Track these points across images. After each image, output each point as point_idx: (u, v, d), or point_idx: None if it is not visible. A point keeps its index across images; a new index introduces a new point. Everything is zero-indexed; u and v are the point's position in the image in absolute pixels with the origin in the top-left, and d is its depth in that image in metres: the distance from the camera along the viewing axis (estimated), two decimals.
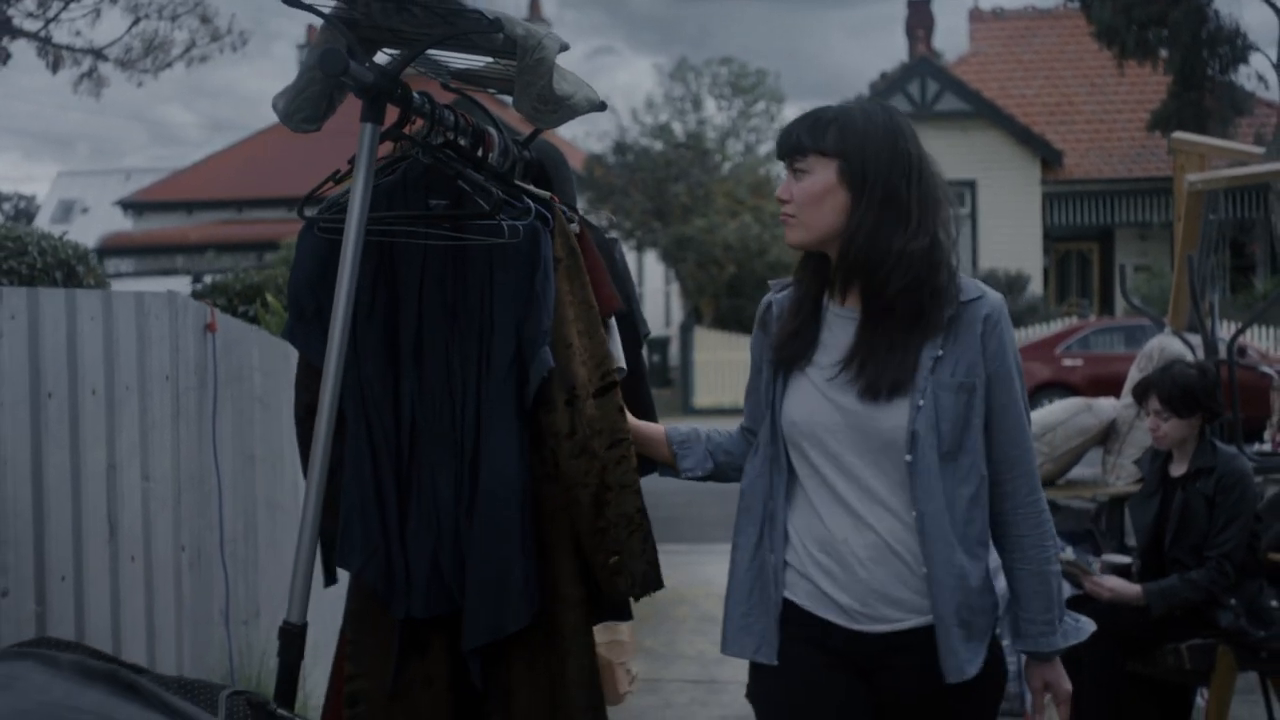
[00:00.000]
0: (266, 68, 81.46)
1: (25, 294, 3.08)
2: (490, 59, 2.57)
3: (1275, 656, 4.15)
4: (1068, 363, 15.93)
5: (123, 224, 31.04)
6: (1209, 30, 19.30)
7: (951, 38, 71.41)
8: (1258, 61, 19.55)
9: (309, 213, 2.50)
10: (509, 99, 2.86)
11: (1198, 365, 4.42)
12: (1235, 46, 19.61)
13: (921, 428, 2.18)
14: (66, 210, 38.62)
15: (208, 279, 8.05)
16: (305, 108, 2.36)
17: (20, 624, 3.03)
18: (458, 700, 2.45)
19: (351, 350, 2.37)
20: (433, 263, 2.41)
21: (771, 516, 2.31)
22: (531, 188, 2.46)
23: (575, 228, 2.47)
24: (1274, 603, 4.23)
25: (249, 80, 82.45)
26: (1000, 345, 2.24)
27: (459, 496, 2.39)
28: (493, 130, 2.53)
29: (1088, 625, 2.33)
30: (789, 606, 2.29)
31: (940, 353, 2.21)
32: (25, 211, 42.11)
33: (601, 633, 2.97)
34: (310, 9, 2.22)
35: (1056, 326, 18.25)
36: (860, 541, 2.22)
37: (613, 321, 2.53)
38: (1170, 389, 4.19)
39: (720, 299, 25.35)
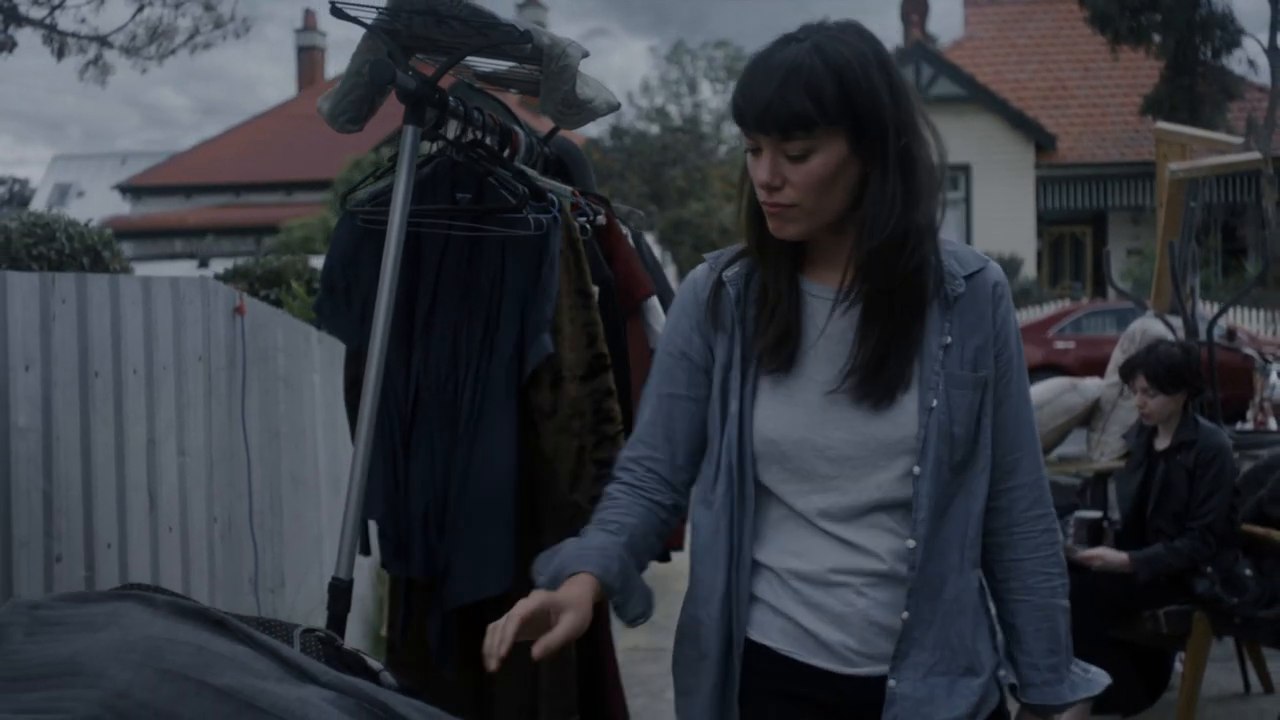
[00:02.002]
0: (260, 51, 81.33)
1: (74, 279, 3.29)
2: (513, 63, 2.78)
3: (1248, 622, 4.38)
4: (1060, 345, 16.13)
5: (119, 208, 31.18)
6: (1201, 15, 19.48)
7: (946, 21, 71.61)
8: (1249, 46, 19.75)
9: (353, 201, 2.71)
10: (514, 93, 3.10)
11: (1181, 345, 4.65)
12: (1227, 31, 19.79)
13: (934, 433, 1.73)
14: (62, 194, 38.66)
15: (222, 265, 8.23)
16: (349, 110, 2.57)
17: (73, 584, 3.25)
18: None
19: (370, 324, 2.57)
20: (453, 249, 2.62)
21: (736, 559, 1.82)
22: (555, 183, 2.67)
23: (602, 219, 2.68)
24: (1248, 572, 4.45)
25: (242, 63, 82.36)
26: (1009, 321, 1.81)
27: (451, 466, 2.59)
28: (518, 129, 2.74)
29: (1100, 678, 1.90)
30: (761, 653, 1.83)
31: (948, 339, 1.75)
32: (20, 195, 42.03)
33: None
34: (355, 21, 2.43)
35: (1049, 309, 18.45)
36: (854, 565, 1.78)
37: (654, 301, 2.73)
38: (1156, 367, 4.41)
39: None
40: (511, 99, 3.25)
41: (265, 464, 4.45)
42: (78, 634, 1.66)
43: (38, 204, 36.16)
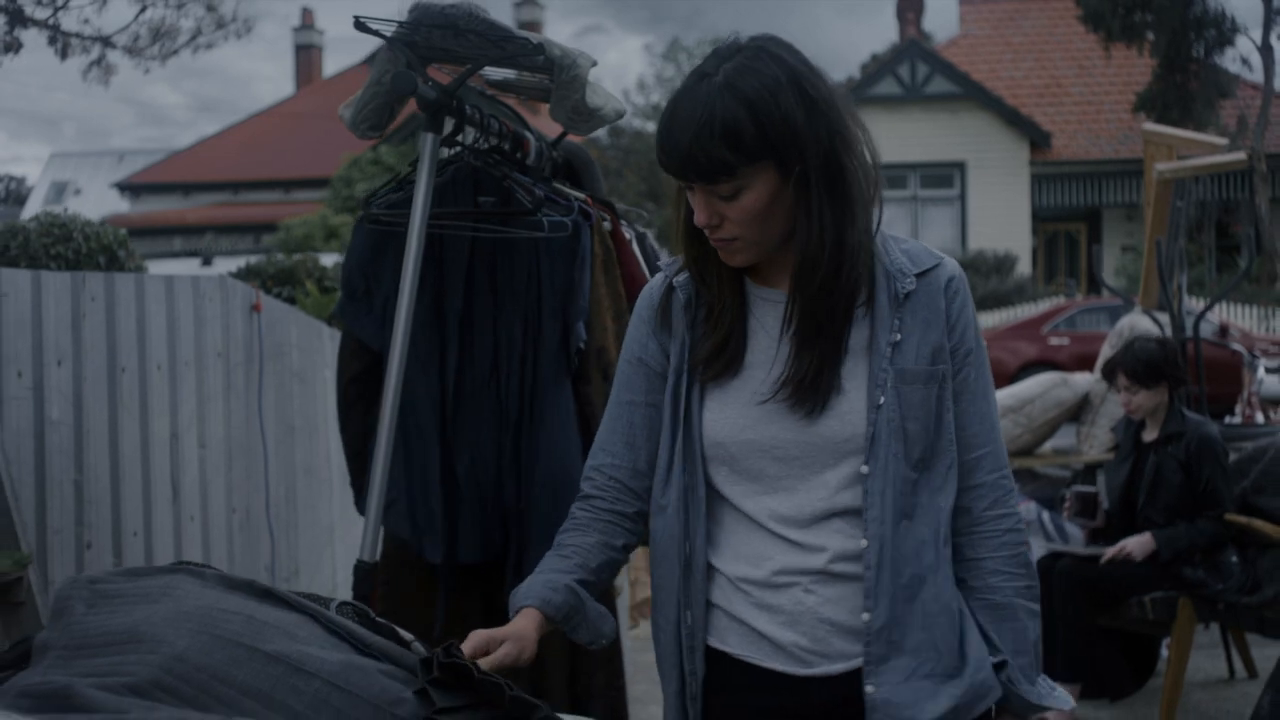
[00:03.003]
0: (254, 48, 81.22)
1: (103, 278, 3.44)
2: (522, 70, 2.92)
3: (1231, 608, 4.52)
4: (1054, 341, 16.24)
5: (117, 206, 31.25)
6: (1194, 13, 19.64)
7: (941, 17, 71.88)
8: (1242, 44, 19.96)
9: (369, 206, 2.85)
10: (521, 99, 3.25)
11: (1157, 339, 4.80)
12: (1220, 30, 19.96)
13: (883, 431, 1.72)
14: (59, 192, 38.65)
15: (234, 264, 8.37)
16: (370, 118, 2.72)
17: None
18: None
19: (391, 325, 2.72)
20: (480, 250, 2.78)
21: (688, 563, 1.81)
22: (570, 190, 2.82)
23: (608, 225, 2.84)
24: (1233, 559, 4.60)
25: (236, 60, 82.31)
26: (965, 316, 1.79)
27: (500, 454, 2.75)
28: (529, 135, 2.88)
29: (1065, 700, 1.84)
30: (720, 660, 1.81)
31: (897, 336, 1.74)
32: (16, 193, 42.00)
33: None
34: (376, 34, 2.58)
35: (1044, 306, 18.57)
36: (800, 565, 1.76)
37: None
38: (1134, 364, 4.56)
39: None
40: (508, 99, 3.39)
41: (280, 457, 4.60)
42: (135, 605, 1.80)
43: (34, 202, 36.16)
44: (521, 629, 1.75)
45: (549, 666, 2.80)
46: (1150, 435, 4.65)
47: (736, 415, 1.77)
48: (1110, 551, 4.53)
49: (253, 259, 8.45)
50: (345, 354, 2.98)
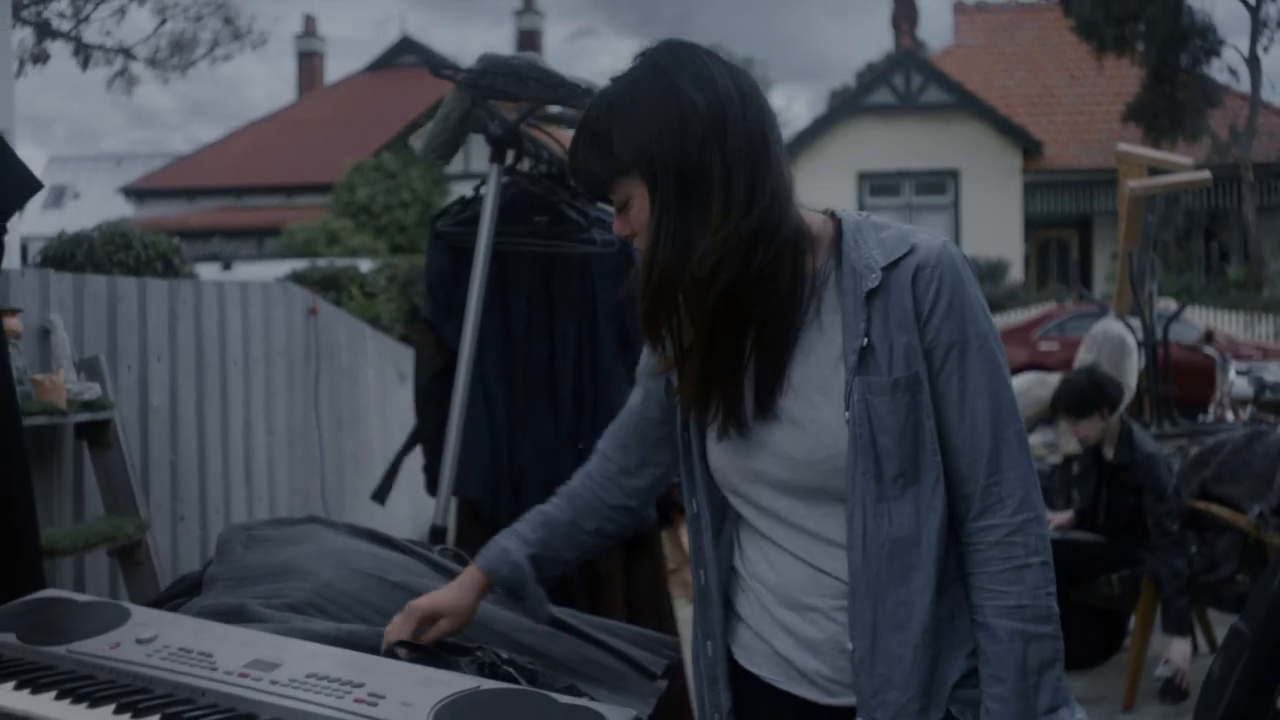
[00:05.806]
0: (248, 52, 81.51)
1: (192, 285, 3.91)
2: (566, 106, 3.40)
3: (1191, 585, 4.98)
4: (1044, 346, 16.61)
5: (119, 210, 31.55)
6: (1184, 24, 20.12)
7: (935, 26, 72.39)
8: (1229, 55, 20.47)
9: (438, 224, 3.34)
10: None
11: (1085, 370, 5.24)
12: (1208, 40, 20.47)
13: (853, 448, 1.58)
14: (58, 196, 38.89)
15: (281, 270, 8.81)
16: (440, 148, 3.19)
17: (191, 541, 3.87)
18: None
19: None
20: (538, 264, 3.25)
21: (703, 591, 1.76)
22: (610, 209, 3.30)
23: None
24: (1194, 548, 5.06)
25: (228, 64, 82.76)
26: (941, 308, 1.57)
27: (558, 436, 3.22)
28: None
29: None
30: (751, 683, 1.74)
31: (864, 340, 1.57)
32: None
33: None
34: (449, 78, 3.05)
35: (1035, 311, 18.98)
36: (820, 591, 1.65)
37: None
38: (1067, 400, 4.96)
39: None
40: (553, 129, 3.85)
41: (331, 446, 5.07)
42: (282, 546, 2.26)
43: (34, 206, 36.34)
44: (459, 601, 1.89)
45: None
46: (1109, 453, 5.02)
47: (726, 440, 1.67)
48: None
49: (298, 265, 8.92)
50: (425, 355, 3.43)
